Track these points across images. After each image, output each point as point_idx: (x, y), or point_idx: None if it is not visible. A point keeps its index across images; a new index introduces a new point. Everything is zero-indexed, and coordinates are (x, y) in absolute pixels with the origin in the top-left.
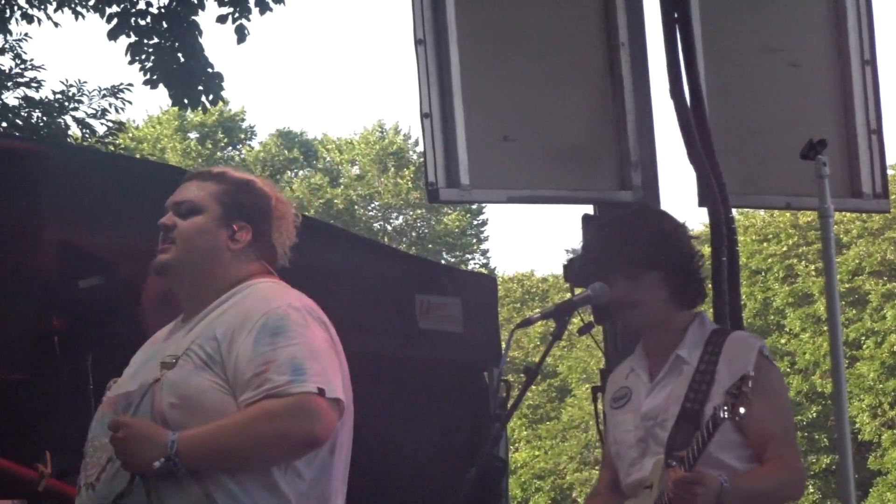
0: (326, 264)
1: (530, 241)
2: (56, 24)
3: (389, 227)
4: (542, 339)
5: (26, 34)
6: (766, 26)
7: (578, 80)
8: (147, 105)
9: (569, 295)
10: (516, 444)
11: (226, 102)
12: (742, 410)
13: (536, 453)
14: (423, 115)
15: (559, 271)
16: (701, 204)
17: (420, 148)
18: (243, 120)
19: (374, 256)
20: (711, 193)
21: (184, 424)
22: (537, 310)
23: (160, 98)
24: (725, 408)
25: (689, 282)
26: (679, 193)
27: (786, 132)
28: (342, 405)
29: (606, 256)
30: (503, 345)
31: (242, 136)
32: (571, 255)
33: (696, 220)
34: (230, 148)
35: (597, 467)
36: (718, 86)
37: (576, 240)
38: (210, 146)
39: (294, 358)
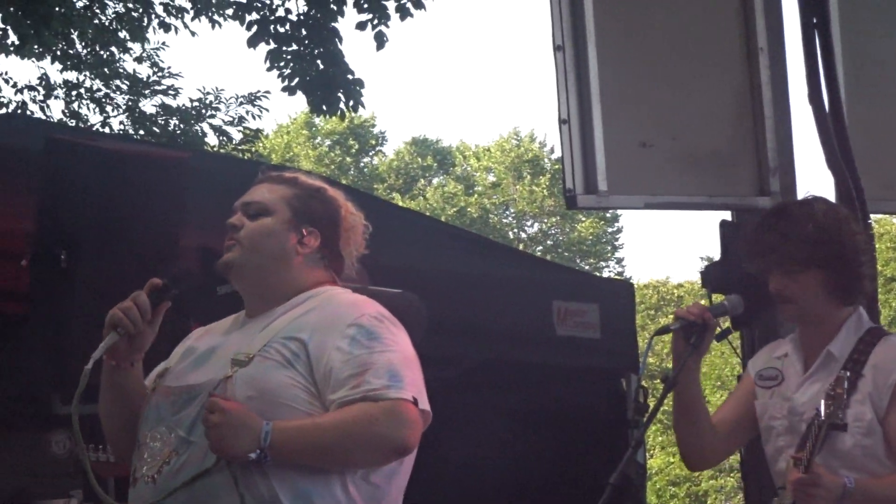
0: (464, 271)
1: (665, 247)
2: (193, 34)
3: (524, 235)
4: (654, 343)
5: (164, 43)
6: None
7: (716, 85)
8: (277, 114)
9: (705, 302)
10: (652, 451)
11: (364, 108)
12: (843, 415)
13: (672, 460)
14: (561, 122)
15: (695, 277)
16: None
17: (555, 156)
18: (374, 126)
19: (511, 263)
20: (849, 199)
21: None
22: (671, 316)
23: (291, 106)
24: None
25: (850, 279)
26: None
27: None
28: (428, 417)
29: (765, 249)
30: (640, 351)
31: (374, 142)
32: (708, 262)
33: None
34: (363, 154)
35: (731, 475)
36: (857, 91)
37: (712, 246)
38: (341, 153)
39: (391, 364)
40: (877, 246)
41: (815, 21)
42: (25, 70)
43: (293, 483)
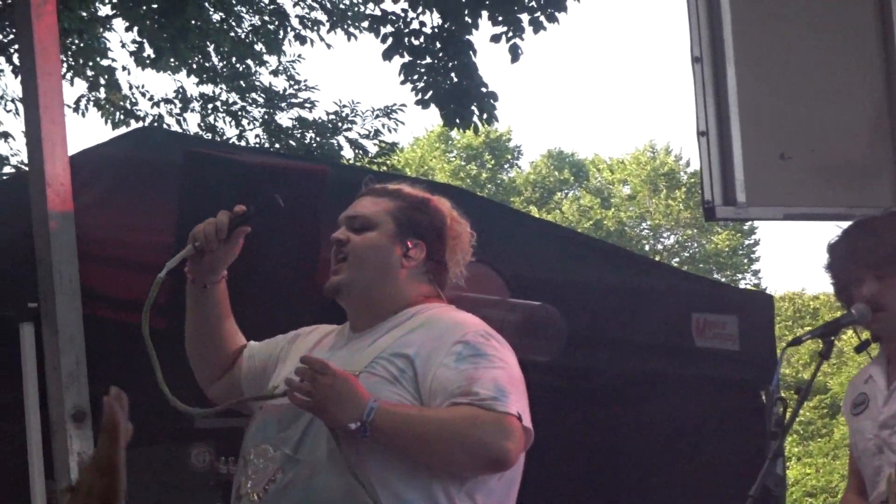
0: (603, 282)
1: (801, 259)
2: (328, 46)
3: (660, 247)
4: (811, 357)
5: (299, 55)
6: None
7: (855, 96)
8: (413, 127)
9: (840, 312)
10: (788, 462)
11: (497, 121)
12: None
13: (808, 471)
14: (700, 133)
15: (830, 290)
16: None
17: (691, 169)
18: (510, 140)
19: (650, 274)
20: None
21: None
22: (808, 328)
23: (426, 120)
24: None
25: None
26: None
27: None
28: (531, 437)
29: (857, 253)
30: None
31: (509, 156)
32: None
33: None
34: (498, 169)
35: None
36: None
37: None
38: (476, 167)
39: (497, 380)
40: None
41: None
42: (161, 83)
43: (397, 494)
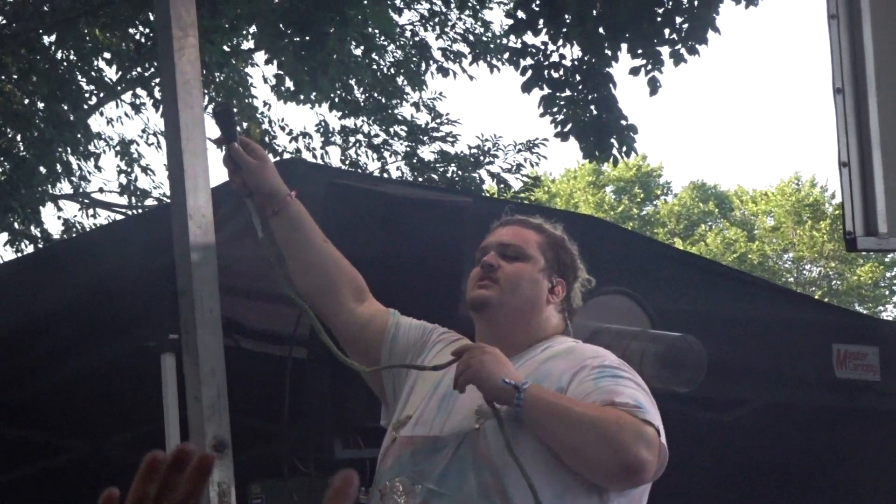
0: (743, 314)
1: None
2: (471, 78)
3: (803, 279)
4: None
5: (441, 93)
6: None
7: None
8: (564, 159)
9: None
10: None
11: (643, 157)
12: None
13: None
14: (842, 164)
15: None
16: None
17: (836, 200)
18: (660, 175)
19: (791, 305)
20: None
21: (512, 466)
22: None
23: (577, 152)
24: None
25: None
26: None
27: None
28: (665, 456)
29: None
30: None
31: (659, 191)
32: None
33: None
34: (646, 203)
35: None
36: None
37: None
38: (626, 201)
39: (637, 396)
40: None
41: None
42: (301, 117)
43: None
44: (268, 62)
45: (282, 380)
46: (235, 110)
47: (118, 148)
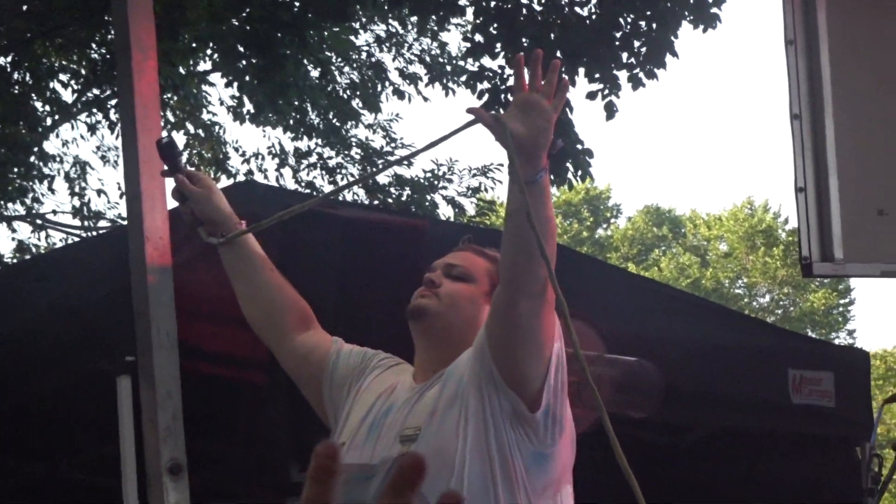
0: (699, 338)
1: (894, 316)
2: (426, 99)
3: (756, 305)
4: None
5: (397, 114)
6: None
7: None
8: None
9: None
10: None
11: (592, 180)
12: None
13: None
14: (798, 190)
15: None
16: None
17: (790, 226)
18: (609, 198)
19: (746, 330)
20: None
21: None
22: None
23: None
24: None
25: None
26: None
27: None
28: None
29: None
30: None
31: (608, 214)
32: None
33: None
34: (596, 226)
35: None
36: None
37: None
38: (576, 224)
39: None
40: None
41: None
42: (252, 139)
43: None
44: (228, 85)
45: (238, 403)
46: (192, 131)
47: (72, 170)
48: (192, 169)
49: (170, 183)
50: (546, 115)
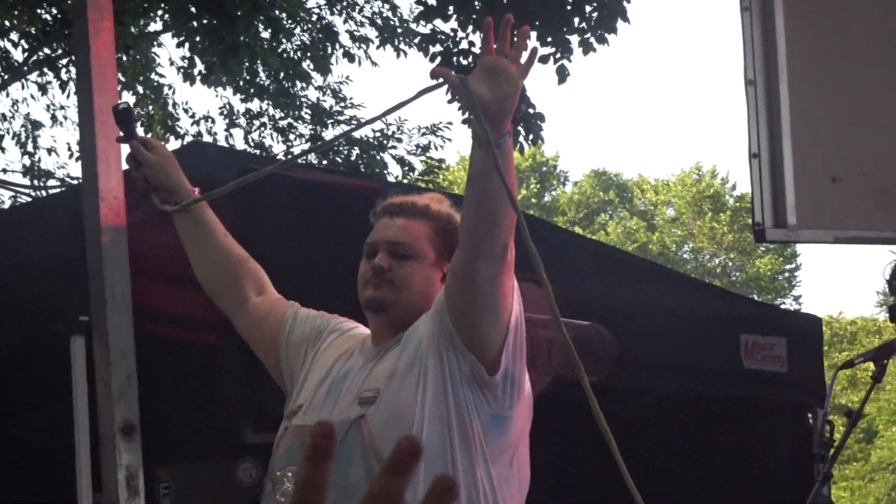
0: (652, 303)
1: (840, 283)
2: (374, 64)
3: (702, 270)
4: (848, 382)
5: (347, 77)
6: None
7: None
8: (460, 147)
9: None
10: None
11: (543, 143)
12: None
13: (843, 494)
14: (752, 156)
15: (868, 313)
16: None
17: (737, 192)
18: (556, 165)
19: (698, 295)
20: None
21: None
22: (845, 353)
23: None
24: None
25: None
26: None
27: None
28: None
29: None
30: (827, 384)
31: (555, 181)
32: (884, 297)
33: None
34: (543, 192)
35: None
36: None
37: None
38: (524, 190)
39: None
40: None
41: None
42: (202, 100)
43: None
44: (179, 45)
45: (192, 364)
46: (141, 92)
47: (22, 130)
48: (148, 136)
49: (125, 149)
50: (513, 81)
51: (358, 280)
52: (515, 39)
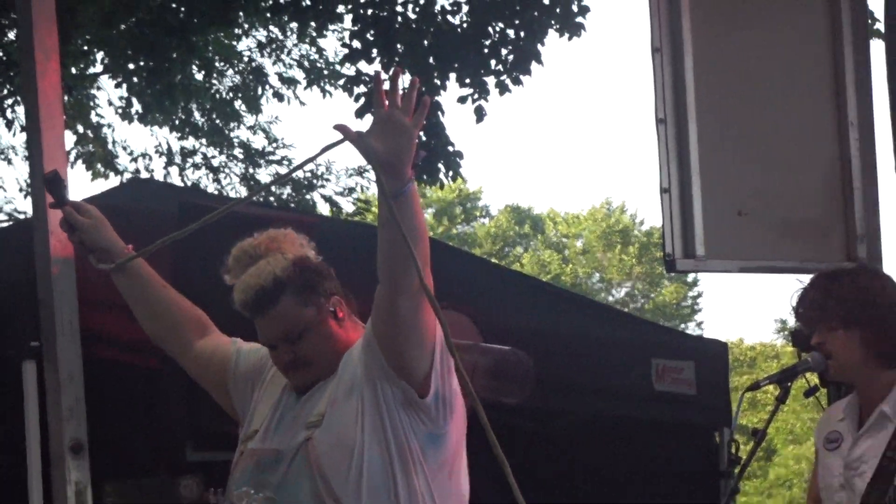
0: (568, 330)
1: (740, 311)
2: (302, 103)
3: (612, 299)
4: (749, 404)
5: (276, 117)
6: None
7: (809, 157)
8: None
9: (793, 359)
10: None
11: (465, 181)
12: None
13: None
14: (662, 190)
15: (767, 339)
16: None
17: (645, 228)
18: (479, 199)
19: (613, 322)
20: None
21: (338, 472)
22: (745, 376)
23: None
24: None
25: (893, 343)
26: None
27: None
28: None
29: (812, 306)
30: (733, 406)
31: (478, 213)
32: (782, 324)
33: None
34: (464, 224)
35: None
36: None
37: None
38: (447, 222)
39: None
40: None
41: None
42: (139, 139)
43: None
44: (117, 86)
45: (136, 386)
46: (80, 131)
47: None
48: (79, 200)
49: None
50: (408, 133)
51: (278, 367)
52: (406, 90)
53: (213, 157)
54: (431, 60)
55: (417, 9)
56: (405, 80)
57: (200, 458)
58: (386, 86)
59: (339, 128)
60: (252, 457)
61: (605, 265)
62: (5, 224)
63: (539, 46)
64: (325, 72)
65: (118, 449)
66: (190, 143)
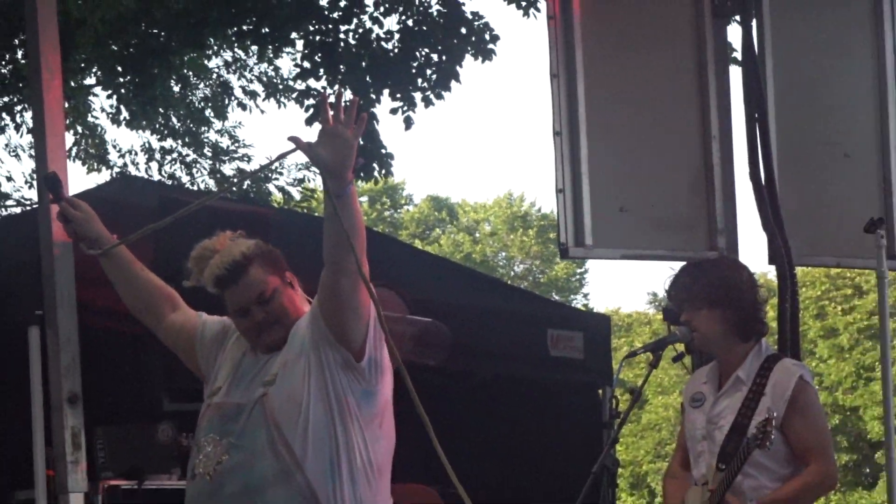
0: (479, 304)
1: (619, 283)
2: (262, 112)
3: (512, 274)
4: (625, 363)
5: (240, 122)
6: (826, 123)
7: (680, 163)
8: None
9: (663, 331)
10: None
11: (392, 176)
12: (769, 443)
13: (619, 448)
14: (558, 191)
15: (642, 308)
16: (770, 262)
17: (541, 213)
18: (403, 189)
19: (516, 298)
20: (779, 254)
21: (291, 422)
22: (623, 340)
23: None
24: (757, 439)
25: (747, 320)
26: (754, 254)
27: (837, 208)
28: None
29: (682, 289)
30: (614, 368)
31: (402, 201)
32: (654, 297)
33: (768, 275)
34: (392, 210)
35: (667, 459)
36: (788, 169)
37: (655, 284)
38: (378, 207)
39: None
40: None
41: (756, 115)
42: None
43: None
44: (108, 97)
45: (121, 348)
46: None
47: None
48: (73, 196)
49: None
50: (349, 143)
51: (244, 335)
52: (347, 106)
53: (188, 155)
54: (368, 79)
55: (357, 36)
56: (347, 97)
57: (175, 408)
58: (332, 100)
59: (293, 139)
60: (217, 409)
61: (508, 245)
62: (16, 210)
63: (458, 68)
64: (281, 87)
65: (107, 400)
66: (168, 143)
